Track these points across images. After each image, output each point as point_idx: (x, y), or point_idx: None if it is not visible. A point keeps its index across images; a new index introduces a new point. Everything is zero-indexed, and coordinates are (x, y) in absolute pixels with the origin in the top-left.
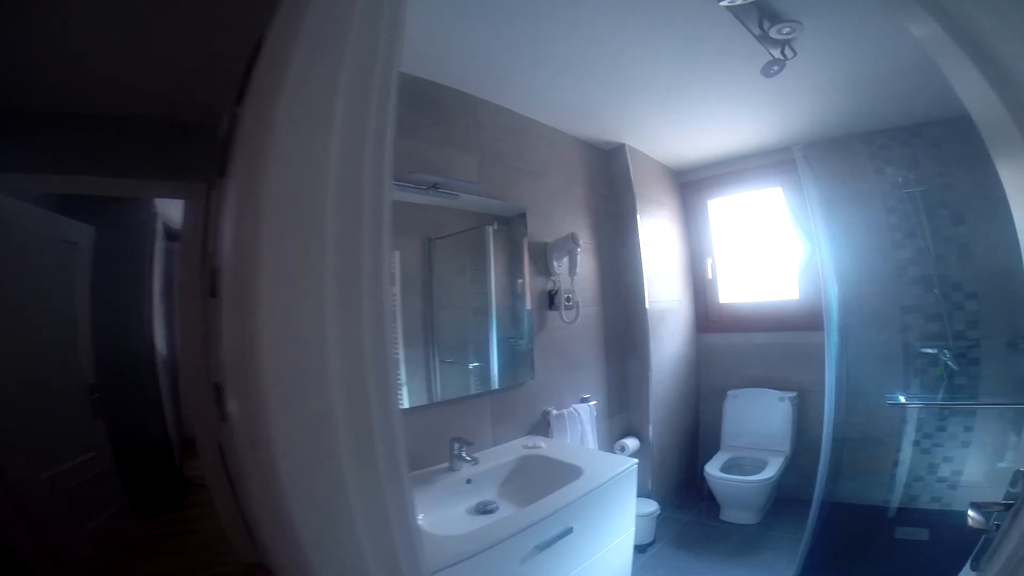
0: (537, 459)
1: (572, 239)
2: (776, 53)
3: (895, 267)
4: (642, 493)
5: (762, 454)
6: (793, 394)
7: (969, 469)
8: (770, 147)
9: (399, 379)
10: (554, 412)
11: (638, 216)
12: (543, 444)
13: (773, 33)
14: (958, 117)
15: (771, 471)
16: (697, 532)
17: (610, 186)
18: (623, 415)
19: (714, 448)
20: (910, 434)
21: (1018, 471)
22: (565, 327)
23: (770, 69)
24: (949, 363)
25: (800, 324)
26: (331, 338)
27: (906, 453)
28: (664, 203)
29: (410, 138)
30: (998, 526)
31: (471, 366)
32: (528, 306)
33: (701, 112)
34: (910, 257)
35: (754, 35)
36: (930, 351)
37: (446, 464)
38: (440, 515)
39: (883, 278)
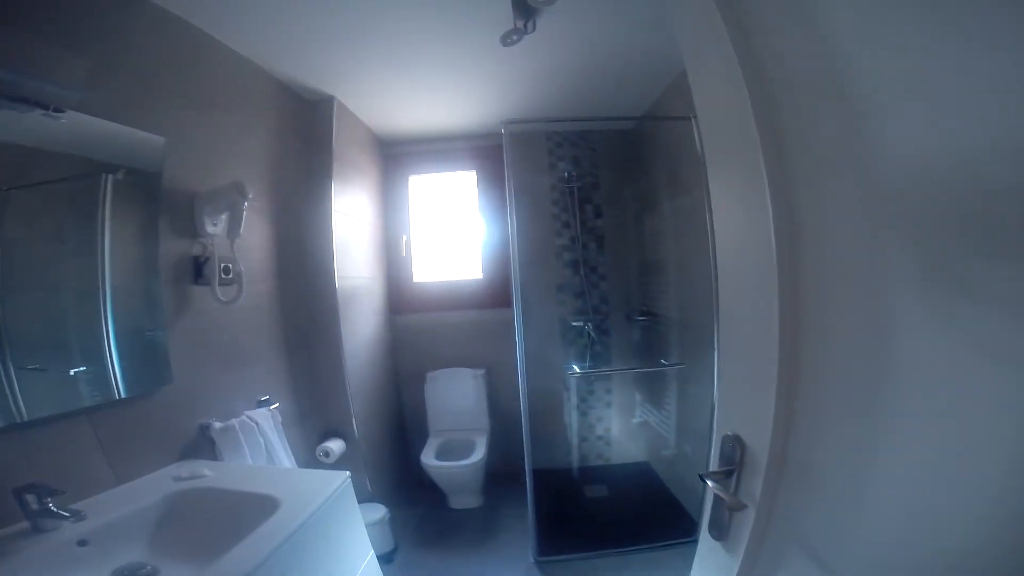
0: (204, 493)
1: (237, 189)
2: (520, 23)
3: (553, 251)
4: (364, 498)
5: (468, 434)
6: (483, 371)
7: (615, 427)
8: (476, 129)
9: None
10: (217, 425)
11: (333, 181)
12: (208, 471)
13: None
14: (613, 123)
15: (480, 451)
16: (433, 526)
17: (305, 141)
18: (319, 414)
19: (423, 434)
20: (573, 399)
21: (726, 435)
22: (222, 309)
23: (509, 38)
24: (592, 333)
25: (485, 302)
26: None
27: (572, 417)
28: (365, 171)
29: None
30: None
31: (75, 372)
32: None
33: (426, 74)
34: (564, 244)
35: None
36: (577, 324)
37: (25, 524)
38: None
39: (545, 261)
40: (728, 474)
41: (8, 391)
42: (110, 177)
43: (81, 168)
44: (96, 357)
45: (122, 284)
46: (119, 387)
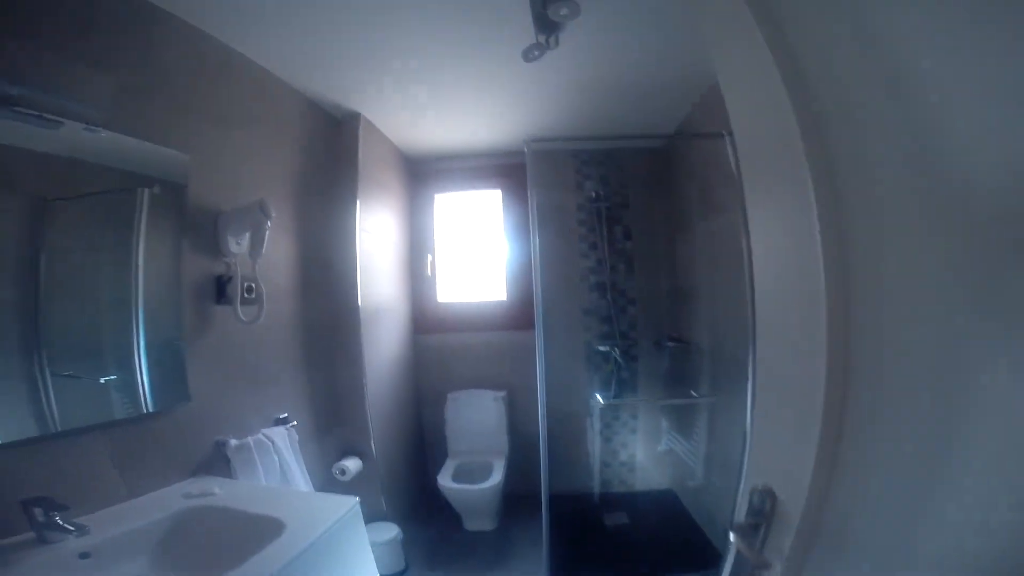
0: (210, 512)
1: (260, 208)
2: (542, 38)
3: (579, 273)
4: (378, 517)
5: (486, 457)
6: (504, 393)
7: (639, 453)
8: (501, 146)
9: None
10: (233, 443)
11: (358, 199)
12: (218, 489)
13: (551, 12)
14: (638, 141)
15: (498, 475)
16: (446, 549)
17: (331, 157)
18: (338, 432)
19: (442, 455)
20: (596, 425)
21: (756, 487)
22: (244, 328)
23: (531, 53)
24: (618, 359)
25: (508, 324)
26: None
27: (595, 444)
28: (390, 189)
29: None
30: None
31: (106, 380)
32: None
33: (450, 90)
34: (591, 266)
35: (533, 10)
36: (604, 349)
37: (31, 535)
38: None
39: (571, 283)
40: (755, 527)
41: (44, 397)
42: (146, 191)
43: (119, 181)
44: (126, 367)
45: (153, 296)
46: (146, 398)
